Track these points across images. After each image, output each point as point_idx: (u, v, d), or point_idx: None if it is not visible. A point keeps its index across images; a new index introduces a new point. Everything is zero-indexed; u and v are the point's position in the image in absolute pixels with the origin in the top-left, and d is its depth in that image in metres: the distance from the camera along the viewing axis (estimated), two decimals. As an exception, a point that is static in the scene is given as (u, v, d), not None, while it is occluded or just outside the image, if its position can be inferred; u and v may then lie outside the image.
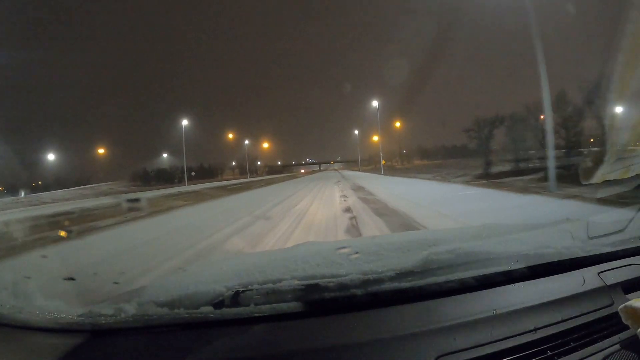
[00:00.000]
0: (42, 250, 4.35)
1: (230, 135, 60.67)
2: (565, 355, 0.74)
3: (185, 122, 31.53)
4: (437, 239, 1.35)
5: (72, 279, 1.27)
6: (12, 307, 0.86)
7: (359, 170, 48.20)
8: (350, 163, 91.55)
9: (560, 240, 1.12)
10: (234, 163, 75.49)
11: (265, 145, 75.01)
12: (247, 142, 48.95)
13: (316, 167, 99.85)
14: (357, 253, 1.17)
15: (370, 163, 68.89)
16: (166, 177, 55.12)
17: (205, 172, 64.78)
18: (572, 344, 0.76)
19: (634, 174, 1.29)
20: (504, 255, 1.00)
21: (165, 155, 66.05)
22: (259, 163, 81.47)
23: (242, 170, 68.10)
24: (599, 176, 1.34)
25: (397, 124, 58.99)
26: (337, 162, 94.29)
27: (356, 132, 50.45)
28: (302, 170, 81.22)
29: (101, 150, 57.76)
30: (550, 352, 0.74)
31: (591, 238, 1.16)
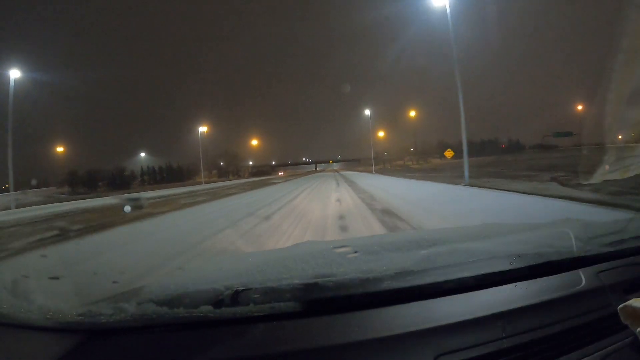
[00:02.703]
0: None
1: (205, 129, 48.97)
2: (564, 355, 0.73)
3: (13, 73, 17.93)
4: (436, 238, 1.33)
5: (57, 278, 1.26)
6: (12, 307, 0.84)
7: (372, 172, 35.04)
8: (351, 162, 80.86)
9: (559, 240, 1.09)
10: (222, 163, 64.30)
11: (254, 142, 62.96)
12: (201, 129, 37.08)
13: (312, 167, 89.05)
14: (356, 252, 1.16)
15: (376, 162, 57.49)
16: (120, 181, 42.97)
17: (174, 174, 52.46)
18: (572, 344, 0.76)
19: None
20: (503, 254, 0.99)
21: (142, 154, 53.79)
22: (250, 163, 70.69)
23: (220, 172, 56.41)
24: None
25: (412, 113, 45.50)
26: (337, 161, 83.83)
27: (367, 112, 37.65)
28: (281, 173, 66.58)
29: (60, 149, 45.35)
30: (550, 352, 0.74)
31: (590, 238, 1.12)
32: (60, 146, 48.29)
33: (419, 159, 54.19)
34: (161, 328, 0.80)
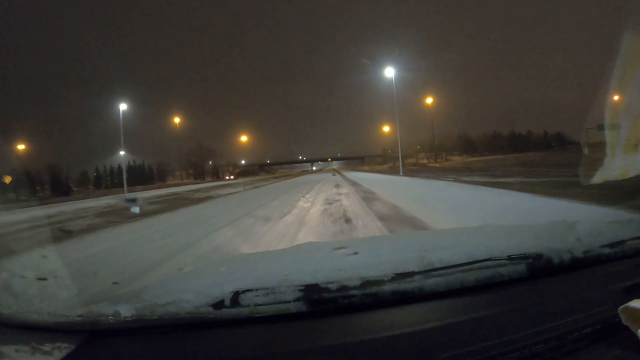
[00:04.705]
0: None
1: (177, 120, 39.73)
2: (564, 356, 0.73)
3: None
4: (437, 239, 1.32)
5: (45, 279, 1.23)
6: (12, 307, 0.84)
7: (398, 173, 22.05)
8: (354, 161, 71.90)
9: (559, 241, 1.07)
10: (210, 162, 55.19)
11: (244, 138, 53.52)
12: (123, 108, 27.51)
13: (309, 166, 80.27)
14: (356, 253, 1.14)
15: (385, 161, 48.33)
16: (60, 186, 33.42)
17: (143, 175, 42.95)
18: (572, 345, 0.75)
19: None
20: (504, 255, 0.98)
21: (122, 153, 44.59)
22: (243, 162, 61.91)
23: (197, 172, 47.15)
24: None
25: (429, 100, 35.50)
26: (337, 159, 74.47)
27: (390, 73, 26.85)
28: (230, 177, 51.47)
29: (21, 146, 36.75)
30: (550, 353, 0.73)
31: (590, 238, 1.10)
32: (21, 143, 38.73)
33: (436, 156, 44.94)
34: (161, 329, 0.79)
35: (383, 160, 48.98)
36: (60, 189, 32.93)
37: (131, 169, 45.21)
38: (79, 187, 41.02)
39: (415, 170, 27.34)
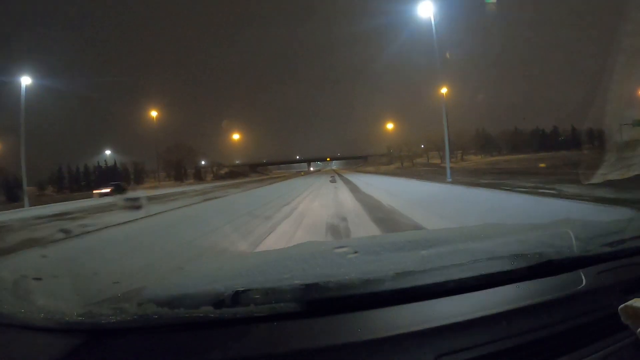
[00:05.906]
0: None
1: (155, 114, 34.30)
2: (564, 355, 0.73)
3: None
4: (436, 238, 1.32)
5: (40, 278, 1.23)
6: (12, 307, 0.84)
7: (423, 178, 16.50)
8: (355, 161, 66.54)
9: (560, 240, 1.08)
10: (203, 162, 49.79)
11: (236, 136, 47.99)
12: (24, 84, 20.78)
13: (304, 167, 75.10)
14: (356, 253, 1.14)
15: (391, 160, 43.14)
16: (9, 192, 28.10)
17: (112, 177, 37.44)
18: (572, 344, 0.75)
19: None
20: (504, 255, 0.98)
21: (108, 152, 39.22)
22: (237, 162, 56.38)
23: (178, 174, 41.61)
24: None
25: (443, 90, 29.09)
26: (338, 158, 69.28)
27: (429, 11, 14.37)
28: (102, 190, 31.72)
29: None
30: (550, 352, 0.73)
31: (591, 238, 1.11)
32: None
33: (450, 154, 39.76)
34: (162, 329, 0.79)
35: (389, 159, 43.86)
36: (10, 195, 27.81)
37: (102, 171, 40.19)
38: (42, 190, 35.72)
39: (438, 172, 22.08)
